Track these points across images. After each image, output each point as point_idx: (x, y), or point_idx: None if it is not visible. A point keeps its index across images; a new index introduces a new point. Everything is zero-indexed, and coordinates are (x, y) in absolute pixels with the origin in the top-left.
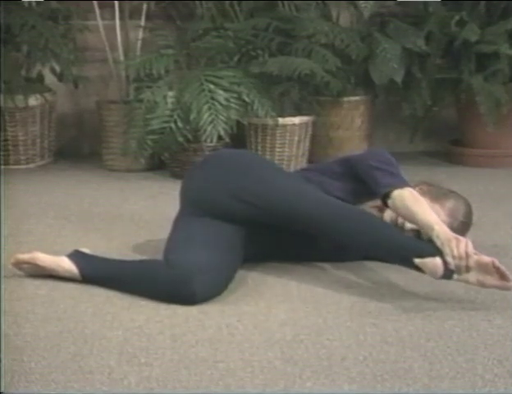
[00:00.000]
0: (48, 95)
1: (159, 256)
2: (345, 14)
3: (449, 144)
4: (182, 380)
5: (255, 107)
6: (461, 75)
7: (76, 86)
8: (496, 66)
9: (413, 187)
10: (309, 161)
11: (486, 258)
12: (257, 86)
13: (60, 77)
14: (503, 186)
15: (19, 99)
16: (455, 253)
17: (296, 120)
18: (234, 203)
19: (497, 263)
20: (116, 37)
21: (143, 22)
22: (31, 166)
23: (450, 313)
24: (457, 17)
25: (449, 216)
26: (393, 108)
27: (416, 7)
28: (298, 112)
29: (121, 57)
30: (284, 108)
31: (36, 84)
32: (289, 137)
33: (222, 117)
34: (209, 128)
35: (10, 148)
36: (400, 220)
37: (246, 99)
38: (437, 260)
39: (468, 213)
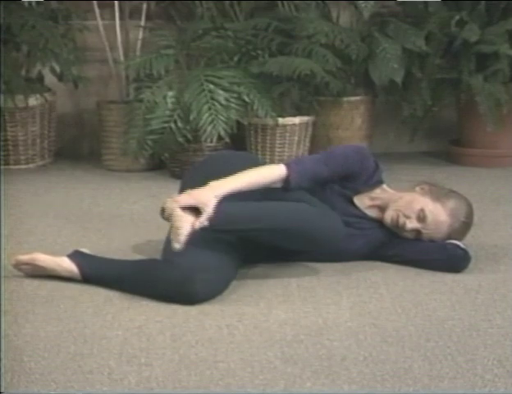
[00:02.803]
0: (47, 95)
1: (159, 256)
2: (345, 14)
3: (449, 144)
4: (182, 380)
5: (255, 107)
6: (461, 75)
7: (76, 86)
8: (495, 66)
9: (414, 187)
10: None
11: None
12: (257, 86)
13: (60, 77)
14: (503, 186)
15: (19, 99)
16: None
17: (296, 120)
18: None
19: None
20: (116, 37)
21: (143, 22)
22: (31, 166)
23: (450, 313)
24: (457, 17)
25: (450, 216)
26: (393, 108)
27: (416, 7)
28: (298, 112)
29: (121, 57)
30: (284, 108)
31: (36, 84)
32: (289, 137)
33: (222, 117)
34: (209, 128)
35: (10, 148)
36: (401, 220)
37: (246, 99)
38: None
39: (470, 213)
